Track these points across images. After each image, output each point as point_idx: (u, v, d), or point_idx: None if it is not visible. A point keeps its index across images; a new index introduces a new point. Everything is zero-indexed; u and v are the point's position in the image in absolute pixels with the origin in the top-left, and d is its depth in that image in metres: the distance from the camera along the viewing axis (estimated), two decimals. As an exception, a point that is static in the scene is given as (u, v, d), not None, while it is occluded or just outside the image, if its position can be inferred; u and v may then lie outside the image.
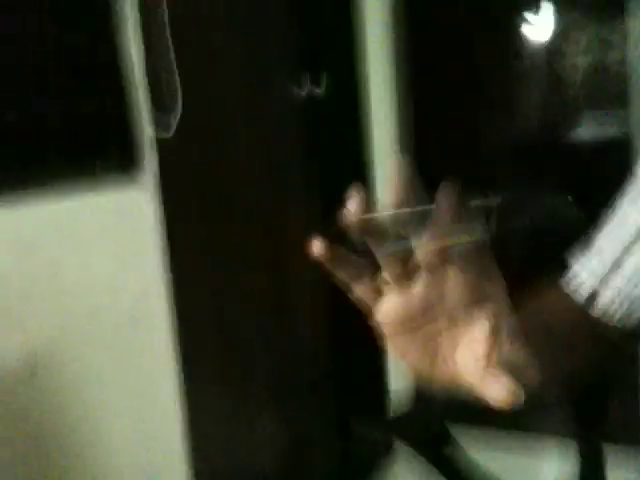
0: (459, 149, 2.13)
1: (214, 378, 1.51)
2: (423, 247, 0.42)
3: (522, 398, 0.42)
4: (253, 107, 1.63)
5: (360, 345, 2.08)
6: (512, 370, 0.43)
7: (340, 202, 0.43)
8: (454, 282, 0.44)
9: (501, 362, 0.44)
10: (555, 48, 1.96)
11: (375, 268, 0.45)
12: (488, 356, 0.44)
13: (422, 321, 0.45)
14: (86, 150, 1.14)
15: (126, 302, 1.18)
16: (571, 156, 1.99)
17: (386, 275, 0.44)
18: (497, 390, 0.43)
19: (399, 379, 2.09)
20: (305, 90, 1.81)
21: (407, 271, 0.44)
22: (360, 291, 0.45)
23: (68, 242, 1.08)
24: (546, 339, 0.52)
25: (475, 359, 0.45)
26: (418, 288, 0.44)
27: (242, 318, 1.62)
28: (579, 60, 1.95)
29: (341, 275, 0.44)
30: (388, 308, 0.45)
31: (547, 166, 2.05)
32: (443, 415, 0.88)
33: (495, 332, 0.44)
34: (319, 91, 1.80)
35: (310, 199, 1.83)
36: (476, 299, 0.44)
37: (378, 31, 2.06)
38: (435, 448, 0.87)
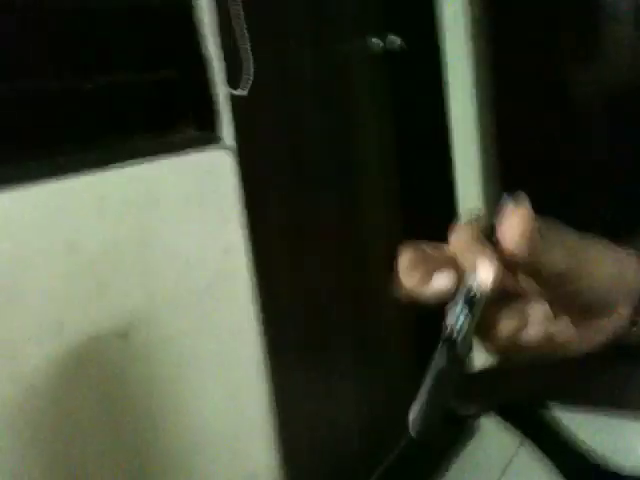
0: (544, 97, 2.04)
1: (296, 344, 1.50)
2: None
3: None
4: (329, 66, 1.59)
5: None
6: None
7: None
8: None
9: None
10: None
11: None
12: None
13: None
14: (165, 113, 1.12)
15: (211, 263, 1.17)
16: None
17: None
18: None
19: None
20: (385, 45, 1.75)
21: None
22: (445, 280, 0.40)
23: (152, 206, 1.07)
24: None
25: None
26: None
27: (322, 284, 1.60)
28: None
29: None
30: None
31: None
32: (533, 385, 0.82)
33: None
34: (399, 45, 1.74)
35: (388, 162, 1.78)
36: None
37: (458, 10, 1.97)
38: (527, 413, 0.81)
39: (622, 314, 0.43)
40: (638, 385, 2.02)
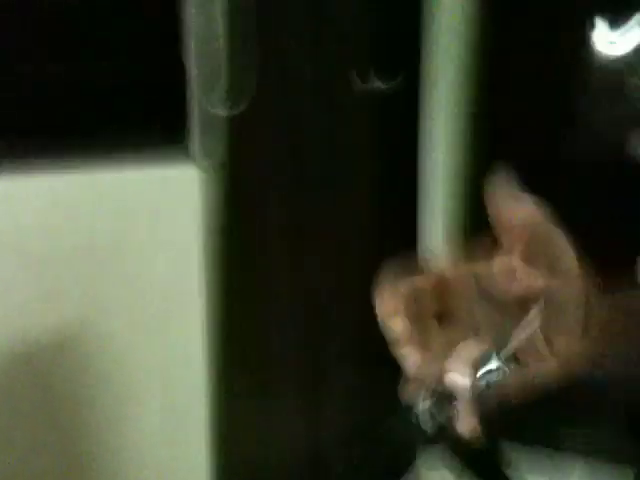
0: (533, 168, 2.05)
1: (246, 369, 1.45)
2: None
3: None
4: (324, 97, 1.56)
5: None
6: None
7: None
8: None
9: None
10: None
11: None
12: None
13: None
14: (134, 120, 1.09)
15: (164, 279, 1.13)
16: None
17: None
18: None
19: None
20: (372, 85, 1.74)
21: None
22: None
23: (107, 214, 1.04)
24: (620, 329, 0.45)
25: None
26: None
27: (278, 309, 1.56)
28: None
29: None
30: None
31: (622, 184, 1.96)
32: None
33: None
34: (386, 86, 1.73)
35: (375, 193, 1.75)
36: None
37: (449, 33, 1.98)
38: (466, 447, 0.78)
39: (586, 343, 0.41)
40: (576, 429, 2.02)
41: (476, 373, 0.38)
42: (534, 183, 0.40)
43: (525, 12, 2.01)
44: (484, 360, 0.38)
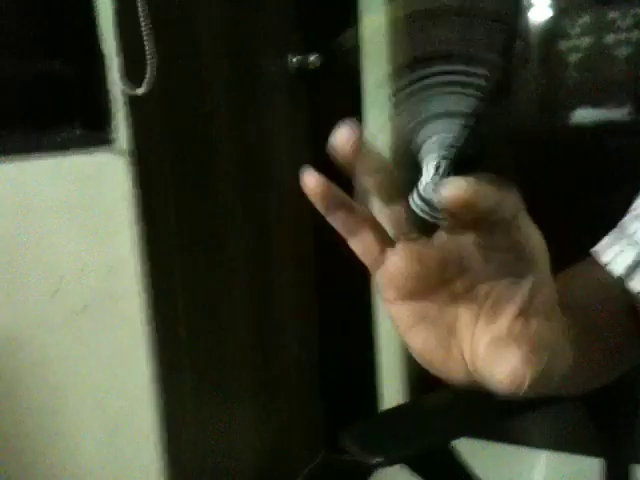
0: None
1: (189, 368, 1.38)
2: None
3: (526, 383, 0.33)
4: (237, 72, 1.49)
5: (351, 352, 2.00)
6: (542, 353, 0.34)
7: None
8: (482, 236, 0.33)
9: (530, 341, 0.34)
10: (555, 28, 1.90)
11: (379, 215, 0.35)
12: (510, 334, 0.34)
13: (435, 282, 0.34)
14: (48, 107, 0.99)
15: (93, 280, 1.04)
16: (573, 139, 1.93)
17: (392, 226, 0.34)
18: (503, 366, 0.33)
19: (391, 395, 2.02)
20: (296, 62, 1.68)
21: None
22: (359, 244, 0.34)
23: (22, 212, 0.94)
24: (576, 320, 0.41)
25: (494, 336, 0.34)
26: (432, 248, 0.34)
27: (223, 300, 1.49)
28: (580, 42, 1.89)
29: (337, 222, 0.34)
30: (393, 272, 0.34)
31: (545, 149, 1.98)
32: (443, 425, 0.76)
33: (526, 305, 0.34)
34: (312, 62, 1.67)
35: (299, 165, 1.70)
36: (509, 260, 0.33)
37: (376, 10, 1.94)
38: (432, 463, 0.75)
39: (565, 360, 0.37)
40: (535, 424, 2.07)
41: None
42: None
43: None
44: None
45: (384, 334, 1.98)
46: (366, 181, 0.33)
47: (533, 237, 0.33)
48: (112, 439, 1.15)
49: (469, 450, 0.77)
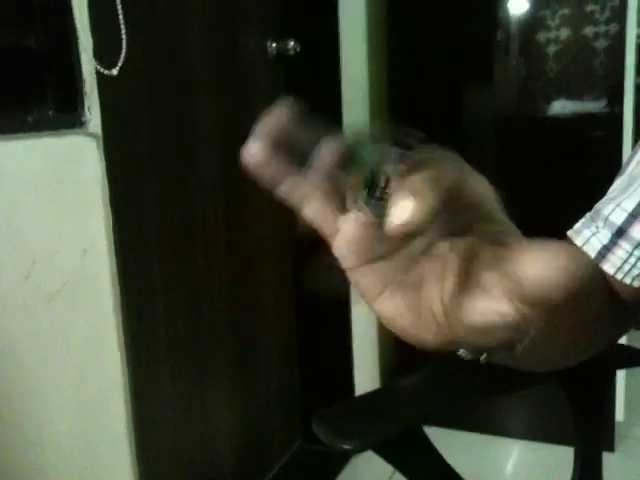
0: (435, 118, 2.04)
1: (165, 354, 1.37)
2: None
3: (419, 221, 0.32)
4: (217, 54, 1.47)
5: (327, 340, 2.00)
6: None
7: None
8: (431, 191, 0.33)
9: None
10: (535, 20, 1.90)
11: (331, 183, 0.35)
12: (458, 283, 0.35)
13: (392, 246, 0.34)
14: (17, 88, 0.97)
15: (66, 264, 1.02)
16: (550, 129, 1.94)
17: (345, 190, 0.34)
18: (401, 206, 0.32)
19: (365, 382, 2.03)
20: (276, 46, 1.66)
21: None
22: (314, 210, 0.34)
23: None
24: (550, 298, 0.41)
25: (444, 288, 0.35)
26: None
27: (199, 284, 1.48)
28: (559, 33, 1.90)
29: (288, 190, 0.34)
30: (349, 231, 0.34)
31: (525, 139, 1.99)
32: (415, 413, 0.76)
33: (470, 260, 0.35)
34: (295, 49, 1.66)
35: None
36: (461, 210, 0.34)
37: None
38: (402, 449, 0.75)
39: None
40: (508, 414, 2.09)
41: None
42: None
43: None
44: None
45: (360, 324, 1.98)
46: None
47: (480, 184, 0.34)
48: (85, 424, 1.14)
49: (442, 439, 0.77)
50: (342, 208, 0.35)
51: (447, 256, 0.35)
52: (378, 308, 0.36)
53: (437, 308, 0.36)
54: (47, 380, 1.05)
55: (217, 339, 1.54)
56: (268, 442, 1.81)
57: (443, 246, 0.35)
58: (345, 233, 0.34)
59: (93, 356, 1.13)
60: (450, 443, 0.97)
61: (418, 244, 0.35)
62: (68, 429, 1.10)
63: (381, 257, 0.35)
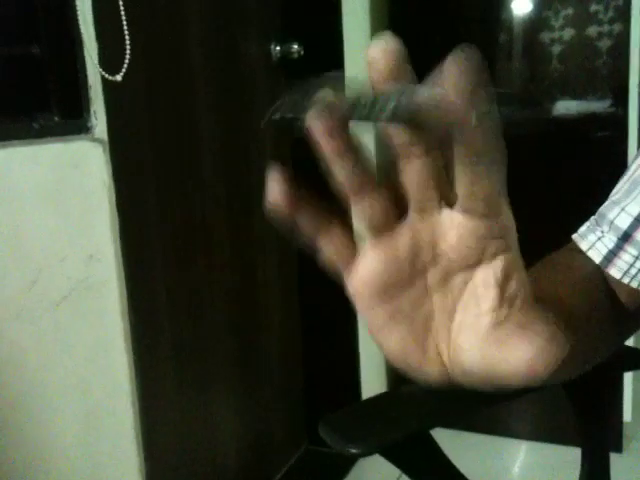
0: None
1: (170, 358, 1.37)
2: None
3: (545, 371, 0.31)
4: (220, 59, 1.47)
5: (333, 342, 2.00)
6: (559, 337, 0.33)
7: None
8: (450, 223, 0.32)
9: (515, 326, 0.33)
10: (538, 20, 1.90)
11: (348, 218, 0.33)
12: (496, 310, 0.32)
13: (409, 278, 0.33)
14: (23, 94, 0.97)
15: (72, 270, 1.02)
16: (554, 129, 1.94)
17: (361, 223, 0.32)
18: (524, 347, 0.31)
19: (372, 385, 2.02)
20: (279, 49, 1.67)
21: (388, 218, 0.32)
22: (328, 249, 0.33)
23: (4, 201, 0.92)
24: (558, 308, 0.40)
25: (478, 316, 0.33)
26: (405, 232, 0.32)
27: (202, 288, 1.48)
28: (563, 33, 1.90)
29: (304, 227, 0.32)
30: (365, 274, 0.33)
31: (528, 139, 1.99)
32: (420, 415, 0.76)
33: (504, 283, 0.32)
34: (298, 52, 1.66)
35: (278, 147, 1.69)
36: (479, 245, 0.32)
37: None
38: (409, 452, 0.74)
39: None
40: (514, 415, 2.08)
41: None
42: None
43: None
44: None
45: (366, 327, 1.98)
46: (338, 168, 0.31)
47: (506, 213, 0.32)
48: (91, 430, 1.14)
49: (448, 441, 0.77)
50: (356, 245, 0.33)
51: (461, 292, 0.34)
52: (383, 339, 0.35)
53: (444, 347, 0.35)
54: (53, 386, 1.05)
55: (221, 343, 1.54)
56: (273, 445, 1.81)
57: (459, 279, 0.33)
58: (359, 271, 0.33)
59: (99, 362, 1.13)
60: (456, 444, 0.97)
61: (432, 275, 0.33)
62: (74, 435, 1.10)
63: (394, 291, 0.33)
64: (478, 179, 0.30)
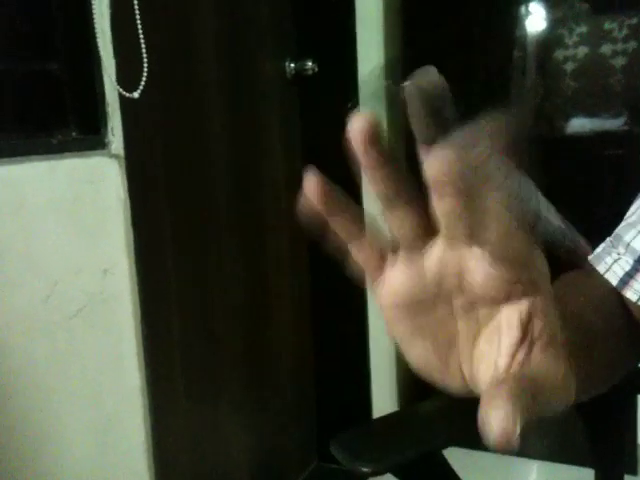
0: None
1: (182, 373, 1.37)
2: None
3: (516, 443, 0.30)
4: (234, 76, 1.49)
5: (344, 360, 1.99)
6: (542, 385, 0.32)
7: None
8: (482, 248, 0.31)
9: (530, 372, 0.32)
10: (552, 38, 1.90)
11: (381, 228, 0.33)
12: (512, 358, 0.32)
13: (435, 299, 0.33)
14: (41, 109, 0.99)
15: (86, 283, 1.03)
16: (567, 147, 1.93)
17: (394, 234, 0.32)
18: (495, 420, 0.30)
19: (383, 404, 2.01)
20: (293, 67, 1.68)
21: (421, 232, 0.31)
22: (359, 256, 0.33)
23: (22, 215, 0.93)
24: (574, 331, 0.40)
25: (495, 359, 0.33)
26: (434, 255, 0.31)
27: (214, 303, 1.48)
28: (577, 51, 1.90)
29: (337, 225, 0.32)
30: (393, 287, 0.32)
31: (542, 157, 1.98)
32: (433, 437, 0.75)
33: (528, 324, 0.32)
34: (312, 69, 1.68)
35: (291, 167, 1.69)
36: (510, 275, 0.31)
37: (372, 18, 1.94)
38: (421, 472, 0.74)
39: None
40: (527, 435, 2.05)
41: None
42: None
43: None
44: None
45: (378, 344, 1.97)
46: (372, 178, 0.31)
47: (538, 257, 0.32)
48: (103, 443, 1.14)
49: (460, 460, 0.77)
50: (387, 251, 0.33)
51: (485, 322, 0.33)
52: (406, 350, 0.35)
53: (466, 366, 0.34)
54: (66, 399, 1.06)
55: (233, 359, 1.54)
56: (284, 462, 1.80)
57: (485, 311, 0.33)
58: (388, 282, 0.33)
59: (112, 375, 1.13)
60: (468, 464, 0.96)
61: (459, 302, 0.33)
62: (85, 449, 1.10)
63: (420, 309, 0.33)
64: (509, 236, 0.30)
